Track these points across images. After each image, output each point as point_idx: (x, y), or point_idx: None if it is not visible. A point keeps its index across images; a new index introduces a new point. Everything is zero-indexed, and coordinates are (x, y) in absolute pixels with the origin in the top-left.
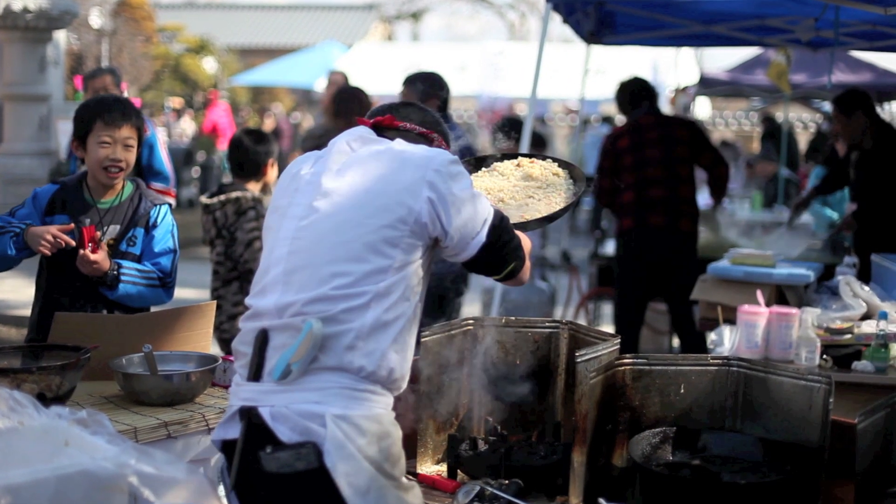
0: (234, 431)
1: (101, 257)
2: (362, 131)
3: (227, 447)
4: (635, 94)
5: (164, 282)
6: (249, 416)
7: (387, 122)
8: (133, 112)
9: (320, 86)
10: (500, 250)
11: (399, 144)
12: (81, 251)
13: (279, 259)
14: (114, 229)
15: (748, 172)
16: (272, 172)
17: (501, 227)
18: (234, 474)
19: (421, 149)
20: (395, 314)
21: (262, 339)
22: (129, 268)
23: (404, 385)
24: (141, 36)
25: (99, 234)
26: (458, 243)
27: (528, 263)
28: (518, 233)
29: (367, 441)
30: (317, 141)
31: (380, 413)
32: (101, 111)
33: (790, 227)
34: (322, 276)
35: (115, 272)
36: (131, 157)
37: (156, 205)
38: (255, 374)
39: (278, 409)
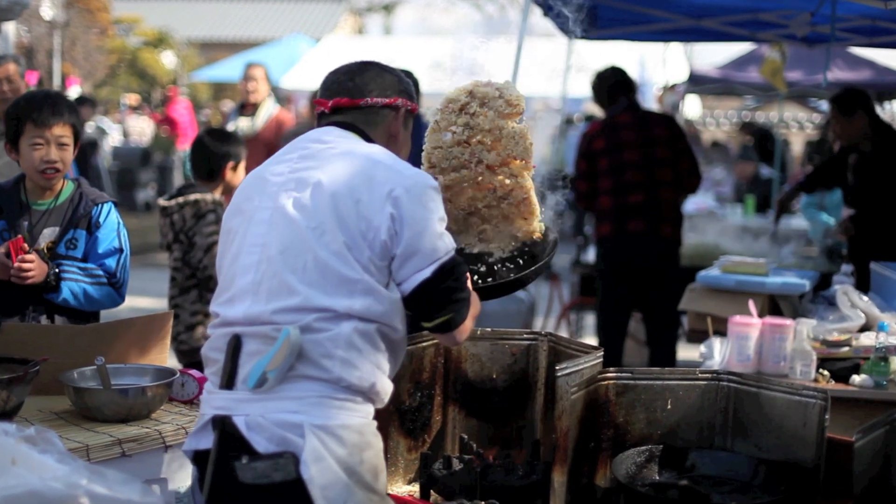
0: (207, 441)
1: (32, 266)
2: (330, 131)
3: (199, 457)
4: (612, 87)
5: (112, 282)
6: (223, 426)
7: (346, 104)
8: (65, 107)
9: (287, 82)
10: (438, 295)
11: (377, 152)
12: (10, 269)
13: (247, 267)
14: (51, 231)
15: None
16: (232, 176)
17: (452, 273)
18: (208, 486)
19: (397, 163)
20: (374, 329)
21: (235, 345)
22: (70, 265)
23: (387, 399)
24: (95, 28)
25: (26, 244)
26: (400, 272)
27: (468, 325)
28: (473, 295)
29: (347, 452)
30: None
31: (361, 422)
32: (30, 111)
33: (777, 222)
34: (291, 286)
35: (56, 271)
36: (67, 155)
37: (97, 203)
38: (228, 381)
39: (254, 418)
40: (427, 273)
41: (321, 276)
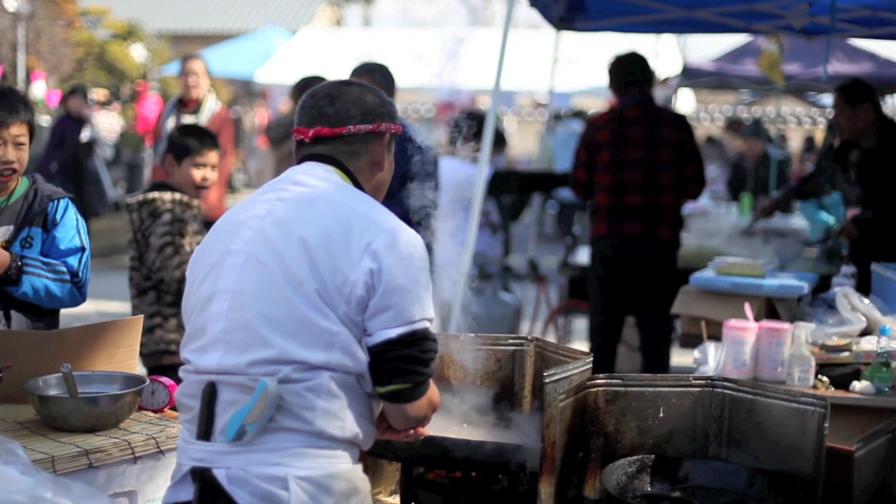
0: (187, 493)
1: None
2: (310, 170)
3: None
4: (628, 76)
5: (74, 280)
6: (203, 479)
7: (327, 133)
8: (21, 105)
9: (262, 76)
10: (398, 360)
11: (357, 200)
12: None
13: (219, 315)
14: (6, 230)
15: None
16: (175, 170)
17: (418, 344)
18: None
19: (378, 215)
20: (354, 378)
21: (210, 393)
22: (33, 260)
23: (370, 444)
24: (62, 20)
25: None
26: (369, 322)
27: (422, 406)
28: (434, 387)
29: (334, 501)
30: (286, 130)
31: (346, 469)
32: None
33: (748, 233)
34: (265, 338)
35: (18, 264)
36: (24, 155)
37: (53, 199)
38: (205, 431)
39: (235, 471)
40: (392, 333)
41: (298, 326)
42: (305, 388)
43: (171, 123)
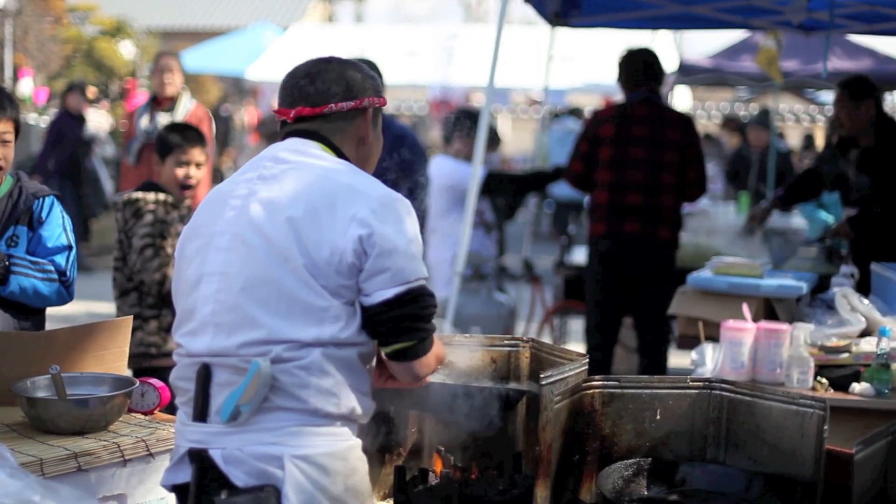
0: (185, 475)
1: None
2: (291, 146)
3: (178, 490)
4: (637, 73)
5: (62, 280)
6: (200, 459)
7: (308, 113)
8: (7, 102)
9: (252, 73)
10: (398, 319)
11: (340, 170)
12: None
13: (207, 297)
14: None
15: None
16: (160, 167)
17: (416, 300)
18: None
19: (362, 183)
20: (347, 351)
21: (205, 375)
22: (21, 259)
23: (369, 417)
24: (49, 16)
25: None
26: (365, 285)
27: (430, 362)
28: (439, 341)
29: (331, 481)
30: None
31: (344, 448)
32: None
33: (747, 232)
34: (254, 319)
35: (6, 264)
36: (9, 152)
37: (38, 197)
38: (201, 413)
39: (230, 451)
40: (389, 294)
41: (287, 306)
42: (297, 366)
43: (144, 122)
